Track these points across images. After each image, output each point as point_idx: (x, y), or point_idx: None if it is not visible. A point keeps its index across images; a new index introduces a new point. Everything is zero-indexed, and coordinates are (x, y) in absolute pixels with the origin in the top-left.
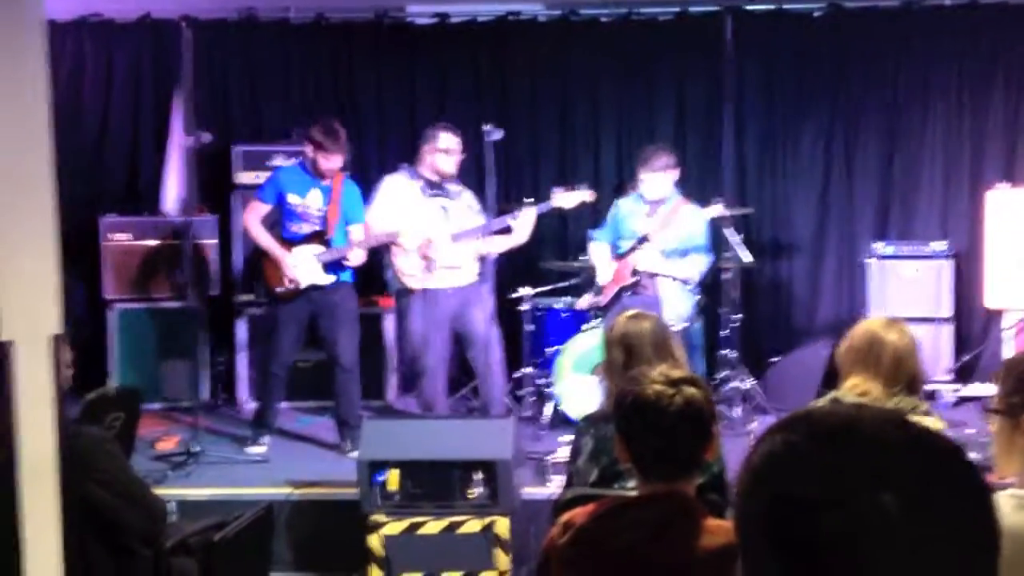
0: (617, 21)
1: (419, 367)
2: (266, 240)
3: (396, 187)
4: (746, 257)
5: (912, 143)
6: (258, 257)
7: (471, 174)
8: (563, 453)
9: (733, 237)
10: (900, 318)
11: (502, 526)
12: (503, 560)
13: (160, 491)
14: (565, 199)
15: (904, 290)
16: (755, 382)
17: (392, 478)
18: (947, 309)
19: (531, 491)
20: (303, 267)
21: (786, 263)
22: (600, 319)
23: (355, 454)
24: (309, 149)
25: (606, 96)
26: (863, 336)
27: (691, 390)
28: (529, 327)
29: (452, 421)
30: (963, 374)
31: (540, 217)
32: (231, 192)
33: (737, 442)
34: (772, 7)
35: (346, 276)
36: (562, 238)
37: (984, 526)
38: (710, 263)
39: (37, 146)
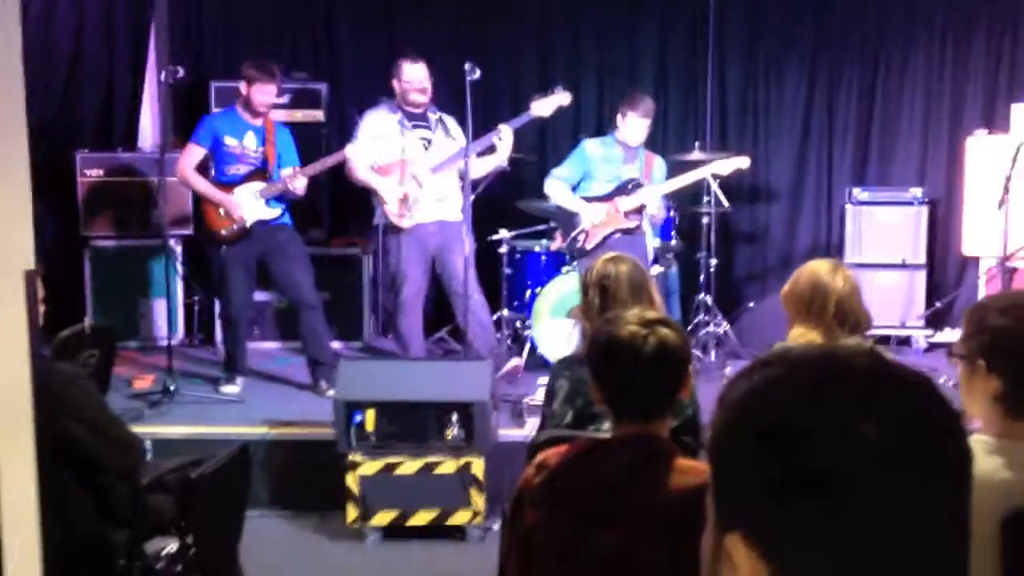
0: None
1: (396, 302)
2: (204, 185)
3: (377, 122)
4: (724, 203)
5: (892, 90)
6: (197, 204)
7: (451, 113)
8: (539, 396)
9: (711, 182)
10: (873, 264)
11: (477, 467)
12: (478, 500)
13: (136, 429)
14: (543, 106)
15: (880, 236)
16: (730, 327)
17: (369, 418)
18: (922, 256)
19: (507, 433)
20: (247, 205)
21: (764, 208)
22: (576, 262)
23: (331, 393)
24: (243, 86)
25: (587, 40)
26: (807, 283)
27: (665, 331)
28: (507, 270)
29: (429, 363)
30: (936, 321)
31: (521, 158)
32: None
33: (711, 386)
34: None
35: (286, 218)
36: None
37: (958, 454)
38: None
39: (8, 77)
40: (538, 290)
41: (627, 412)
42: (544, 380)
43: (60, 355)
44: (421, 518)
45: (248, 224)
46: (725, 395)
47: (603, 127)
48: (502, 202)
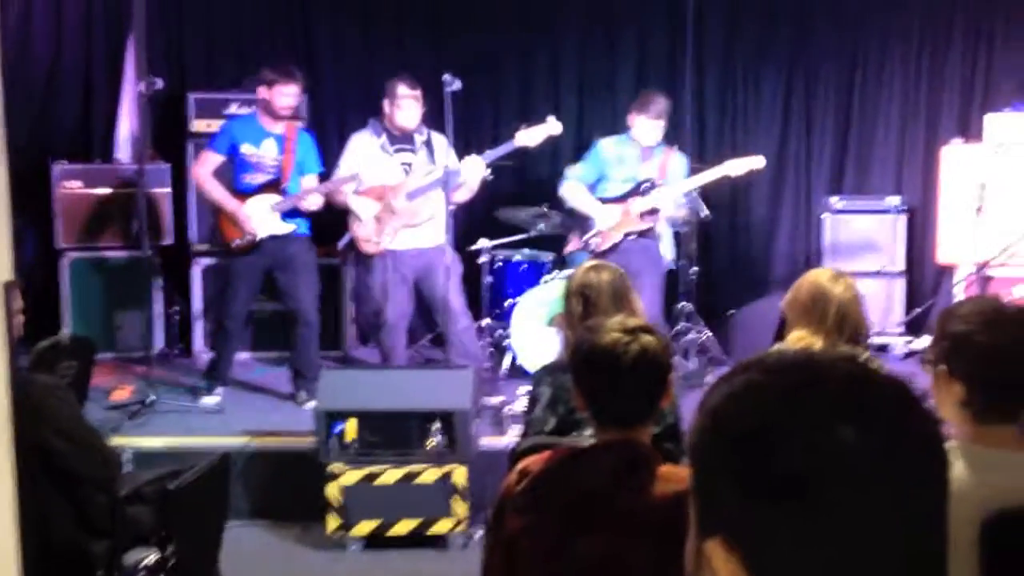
0: None
1: (380, 320)
2: (219, 193)
3: (360, 145)
4: (703, 210)
5: (869, 99)
6: (213, 211)
7: (431, 125)
8: (520, 404)
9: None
10: (852, 272)
11: (460, 475)
12: (461, 508)
13: (115, 441)
14: (529, 136)
15: (858, 244)
16: (711, 334)
17: (350, 428)
18: (900, 263)
19: (489, 441)
20: (259, 217)
21: (743, 216)
22: (558, 271)
23: (311, 405)
24: (263, 90)
25: (567, 47)
26: (809, 290)
27: (647, 338)
28: (488, 279)
29: (410, 371)
30: (914, 328)
31: (503, 165)
32: (185, 140)
33: (693, 394)
34: None
35: (303, 228)
36: (520, 188)
37: (935, 459)
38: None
39: None
40: (518, 299)
41: (609, 419)
42: (525, 388)
43: (38, 366)
44: (403, 527)
45: (259, 238)
46: (705, 400)
47: (581, 135)
48: (482, 211)
